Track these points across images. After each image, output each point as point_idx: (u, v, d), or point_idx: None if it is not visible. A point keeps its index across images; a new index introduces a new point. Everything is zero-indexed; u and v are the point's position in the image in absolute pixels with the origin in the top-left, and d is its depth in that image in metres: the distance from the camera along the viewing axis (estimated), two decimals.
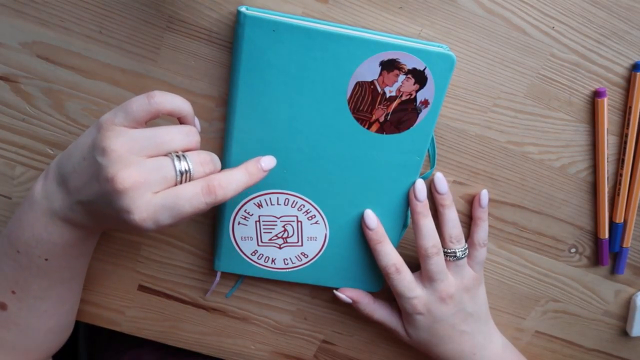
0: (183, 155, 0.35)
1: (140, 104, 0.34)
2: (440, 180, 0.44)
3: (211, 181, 0.34)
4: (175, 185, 0.34)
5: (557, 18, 0.42)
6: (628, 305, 0.55)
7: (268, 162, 0.38)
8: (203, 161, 0.35)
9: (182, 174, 0.34)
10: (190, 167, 0.34)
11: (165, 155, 0.35)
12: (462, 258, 0.45)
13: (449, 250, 0.45)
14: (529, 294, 0.53)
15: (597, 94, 0.44)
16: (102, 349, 0.65)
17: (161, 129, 0.35)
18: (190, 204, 0.34)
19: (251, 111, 0.40)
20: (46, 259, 0.39)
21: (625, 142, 0.46)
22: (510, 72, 0.43)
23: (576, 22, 0.42)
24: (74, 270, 0.42)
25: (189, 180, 0.35)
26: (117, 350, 0.61)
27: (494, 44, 0.42)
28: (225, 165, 0.42)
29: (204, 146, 0.39)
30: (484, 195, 0.46)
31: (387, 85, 0.40)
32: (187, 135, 0.36)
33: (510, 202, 0.48)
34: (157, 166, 0.34)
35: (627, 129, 0.46)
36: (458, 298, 0.46)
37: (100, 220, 0.37)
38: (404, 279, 0.45)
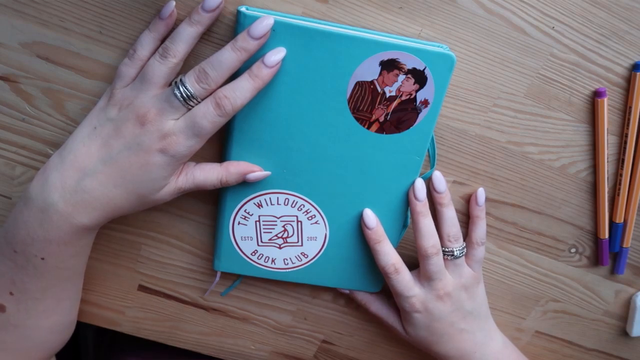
0: (181, 81, 0.37)
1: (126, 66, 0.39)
2: (439, 178, 0.44)
3: (217, 95, 0.37)
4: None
5: (557, 18, 0.42)
6: (628, 305, 0.55)
7: (272, 56, 0.37)
8: (198, 77, 0.36)
9: (185, 98, 0.36)
10: (189, 88, 0.36)
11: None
12: (460, 257, 0.45)
13: (447, 249, 0.45)
14: (529, 294, 0.53)
15: (597, 94, 0.44)
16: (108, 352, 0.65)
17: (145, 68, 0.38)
18: (207, 119, 0.36)
19: (251, 111, 0.40)
20: (42, 258, 0.39)
21: (625, 142, 0.46)
22: (510, 72, 0.43)
23: (576, 22, 0.42)
24: (71, 270, 0.42)
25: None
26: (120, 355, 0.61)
27: (494, 44, 0.42)
28: None
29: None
30: (481, 193, 0.46)
31: (387, 85, 0.40)
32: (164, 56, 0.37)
33: (510, 202, 0.48)
34: (163, 98, 0.37)
35: (627, 129, 0.46)
36: (456, 296, 0.46)
37: (116, 187, 0.38)
38: (403, 279, 0.45)
